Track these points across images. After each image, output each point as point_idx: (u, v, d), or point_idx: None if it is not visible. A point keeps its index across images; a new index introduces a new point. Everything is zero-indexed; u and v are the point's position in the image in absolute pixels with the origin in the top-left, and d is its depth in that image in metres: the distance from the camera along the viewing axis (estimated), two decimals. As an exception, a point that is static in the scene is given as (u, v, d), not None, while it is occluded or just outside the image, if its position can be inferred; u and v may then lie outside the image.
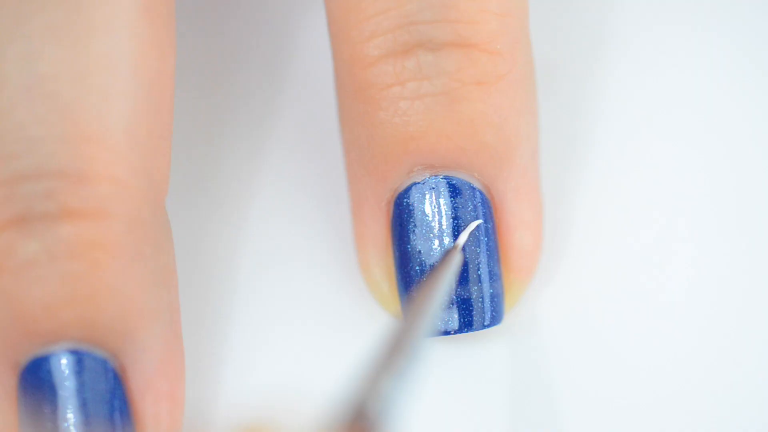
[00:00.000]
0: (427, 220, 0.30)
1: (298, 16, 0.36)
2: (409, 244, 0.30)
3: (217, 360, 0.32)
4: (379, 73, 0.29)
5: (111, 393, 0.28)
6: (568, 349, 0.32)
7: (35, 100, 0.27)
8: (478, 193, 0.30)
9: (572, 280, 0.33)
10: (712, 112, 0.34)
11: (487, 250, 0.30)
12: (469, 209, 0.30)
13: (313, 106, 0.35)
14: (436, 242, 0.30)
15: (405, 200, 0.30)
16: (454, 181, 0.30)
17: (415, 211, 0.30)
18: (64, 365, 0.27)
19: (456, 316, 0.30)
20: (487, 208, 0.30)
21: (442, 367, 0.32)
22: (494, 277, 0.30)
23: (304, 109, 0.35)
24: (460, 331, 0.30)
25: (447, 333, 0.30)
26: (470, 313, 0.30)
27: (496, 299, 0.30)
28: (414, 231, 0.30)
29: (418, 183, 0.30)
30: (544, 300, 0.32)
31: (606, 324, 0.32)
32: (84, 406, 0.28)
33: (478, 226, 0.30)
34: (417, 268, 0.30)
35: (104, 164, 0.27)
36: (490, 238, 0.30)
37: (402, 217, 0.30)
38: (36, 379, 0.27)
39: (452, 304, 0.30)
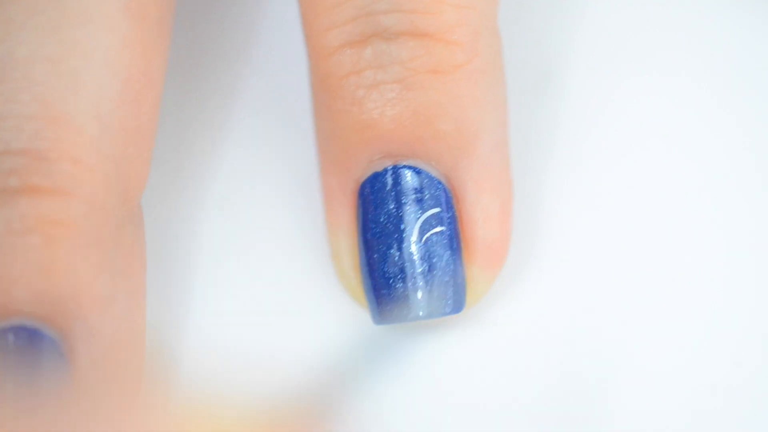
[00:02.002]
0: (386, 209, 0.30)
1: (282, 12, 0.37)
2: (369, 233, 0.31)
3: (191, 350, 0.33)
4: (337, 63, 0.30)
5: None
6: (540, 344, 0.32)
7: (7, 79, 0.29)
8: (436, 182, 0.30)
9: (548, 275, 0.32)
10: (696, 111, 0.34)
11: (445, 238, 0.30)
12: (427, 198, 0.30)
13: (300, 99, 0.35)
14: (395, 232, 0.30)
15: (366, 190, 0.31)
16: (412, 170, 0.30)
17: (375, 201, 0.30)
18: None
19: (415, 302, 0.30)
20: (446, 198, 0.30)
21: (407, 362, 0.32)
22: (454, 265, 0.30)
23: (289, 102, 0.36)
24: (415, 317, 0.30)
25: (405, 320, 0.30)
26: (424, 302, 0.30)
27: (456, 287, 0.30)
28: (375, 221, 0.31)
29: (378, 173, 0.30)
30: (516, 293, 0.32)
31: (581, 318, 0.32)
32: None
33: (435, 214, 0.30)
34: (375, 256, 0.30)
35: (69, 145, 0.29)
36: (448, 226, 0.30)
37: (364, 208, 0.31)
38: None
39: (411, 291, 0.30)
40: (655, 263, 0.32)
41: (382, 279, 0.30)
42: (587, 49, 0.35)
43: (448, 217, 0.30)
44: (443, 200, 0.30)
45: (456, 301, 0.30)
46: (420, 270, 0.30)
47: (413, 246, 0.30)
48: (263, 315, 0.33)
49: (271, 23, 0.36)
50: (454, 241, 0.31)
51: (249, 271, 0.34)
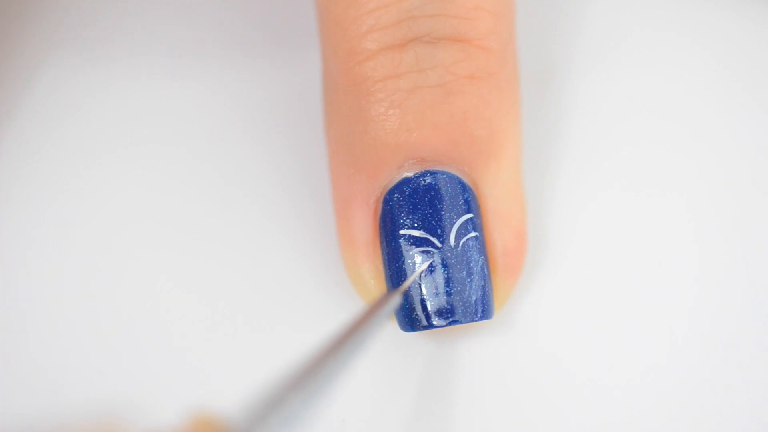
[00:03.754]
0: (420, 215, 0.30)
1: (284, 19, 0.36)
2: (401, 239, 0.30)
3: (200, 353, 0.31)
4: (376, 66, 0.30)
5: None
6: (562, 348, 0.32)
7: None
8: (468, 187, 0.30)
9: (564, 280, 0.33)
10: (702, 115, 0.35)
11: (479, 244, 0.30)
12: (460, 204, 0.30)
13: (299, 110, 0.35)
14: (429, 237, 0.30)
15: (395, 196, 0.30)
16: (444, 176, 0.30)
17: (407, 207, 0.30)
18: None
19: (450, 308, 0.30)
20: (475, 204, 0.31)
21: (435, 364, 0.32)
22: (484, 270, 0.31)
23: (290, 112, 0.35)
24: (449, 323, 0.30)
25: (437, 326, 0.30)
26: (460, 306, 0.30)
27: (486, 293, 0.30)
28: (404, 227, 0.30)
29: (409, 178, 0.30)
30: (537, 298, 0.33)
31: (600, 322, 0.32)
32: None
33: (469, 220, 0.30)
34: (409, 262, 0.30)
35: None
36: (479, 232, 0.31)
37: (392, 213, 0.30)
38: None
39: (448, 297, 0.30)
40: (664, 265, 0.33)
41: (415, 286, 0.30)
42: (589, 51, 0.36)
43: (479, 223, 0.31)
44: (474, 206, 0.31)
45: (487, 306, 0.31)
46: (458, 275, 0.30)
47: (450, 251, 0.30)
48: (271, 325, 0.32)
49: (275, 29, 0.36)
50: (484, 247, 0.31)
51: (253, 281, 0.33)
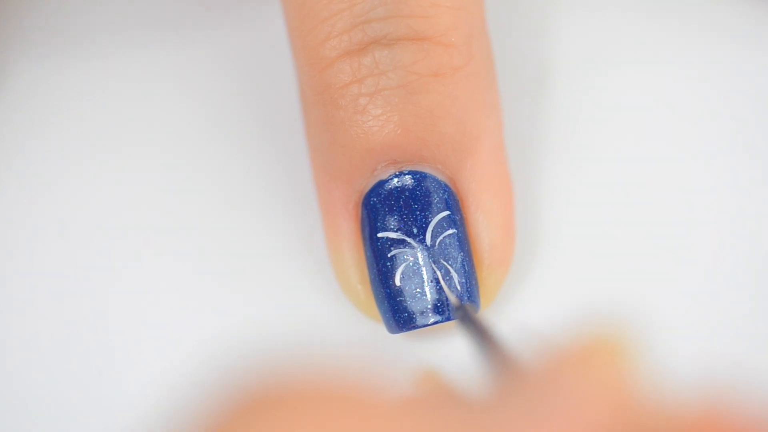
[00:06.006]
0: (396, 216, 0.30)
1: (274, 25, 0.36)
2: (379, 242, 0.30)
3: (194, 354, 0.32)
4: (337, 73, 0.30)
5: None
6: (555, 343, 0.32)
7: None
8: (443, 185, 0.30)
9: (555, 275, 0.32)
10: (693, 111, 0.34)
11: (457, 240, 0.30)
12: (436, 202, 0.30)
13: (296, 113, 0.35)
14: (406, 239, 0.30)
15: (372, 200, 0.30)
16: (418, 176, 0.30)
17: (383, 209, 0.30)
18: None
19: (432, 307, 0.30)
20: (453, 200, 0.30)
21: (425, 362, 0.32)
22: (465, 267, 0.30)
23: (286, 117, 0.35)
24: (433, 322, 0.30)
25: (422, 325, 0.30)
26: (442, 304, 0.30)
27: (470, 290, 0.30)
28: (384, 229, 0.30)
29: (383, 180, 0.30)
30: (528, 293, 0.32)
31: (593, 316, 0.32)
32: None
33: (445, 217, 0.30)
34: (388, 264, 0.30)
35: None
36: (458, 229, 0.30)
37: (370, 218, 0.30)
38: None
39: (428, 296, 0.30)
40: (654, 258, 0.33)
41: (396, 287, 0.30)
42: (582, 51, 0.35)
43: (458, 219, 0.31)
44: (451, 203, 0.30)
45: (472, 302, 0.30)
46: (436, 274, 0.30)
47: (428, 250, 0.30)
48: (268, 331, 0.32)
49: (267, 35, 0.36)
50: (464, 243, 0.31)
51: (249, 287, 0.33)
